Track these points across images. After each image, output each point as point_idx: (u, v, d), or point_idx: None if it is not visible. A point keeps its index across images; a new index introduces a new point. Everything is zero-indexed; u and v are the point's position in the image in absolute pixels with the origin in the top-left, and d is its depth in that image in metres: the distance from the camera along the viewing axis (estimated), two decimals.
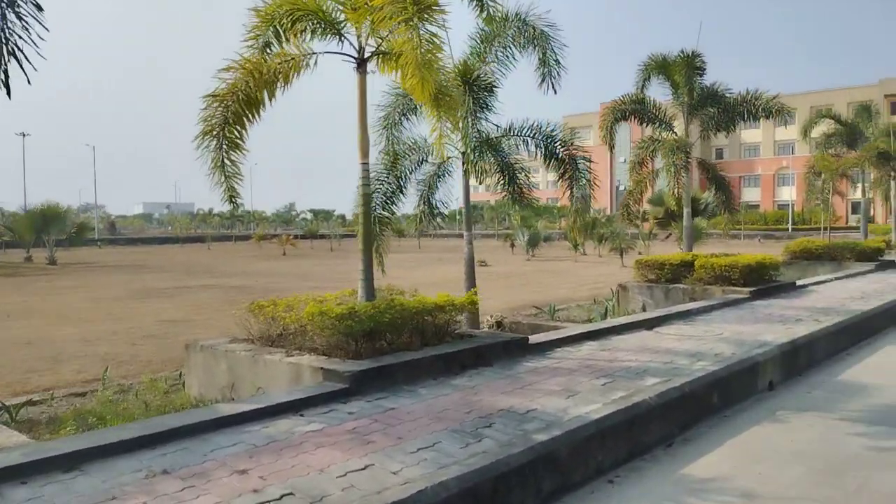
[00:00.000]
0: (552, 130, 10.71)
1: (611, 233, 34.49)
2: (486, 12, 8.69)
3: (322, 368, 5.20)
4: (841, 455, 4.95)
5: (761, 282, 11.82)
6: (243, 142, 6.51)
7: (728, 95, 16.54)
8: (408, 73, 5.71)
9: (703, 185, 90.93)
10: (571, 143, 10.61)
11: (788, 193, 73.72)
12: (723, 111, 16.58)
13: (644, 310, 11.53)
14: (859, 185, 29.00)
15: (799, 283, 13.28)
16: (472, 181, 11.34)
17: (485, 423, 4.56)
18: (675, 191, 15.75)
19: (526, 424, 4.53)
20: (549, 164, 10.82)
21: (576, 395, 5.29)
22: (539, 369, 6.16)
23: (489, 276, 24.42)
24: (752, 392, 6.61)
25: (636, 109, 16.91)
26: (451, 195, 12.53)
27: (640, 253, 32.40)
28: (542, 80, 10.22)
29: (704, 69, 16.11)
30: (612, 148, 17.10)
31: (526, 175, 11.42)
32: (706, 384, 5.92)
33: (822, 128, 29.67)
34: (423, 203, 11.79)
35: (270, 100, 6.57)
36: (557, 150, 10.78)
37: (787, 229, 59.68)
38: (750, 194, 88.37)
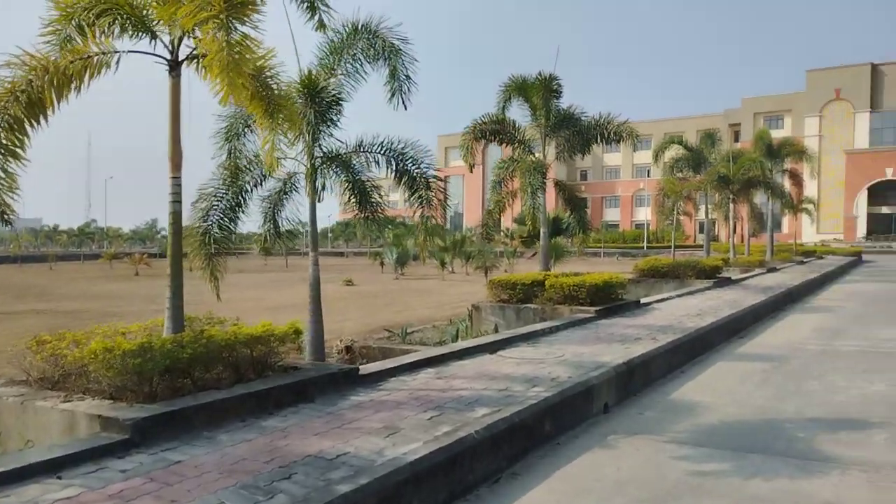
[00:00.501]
0: (403, 148, 10.38)
1: (478, 251, 34.99)
2: (317, 15, 8.22)
3: (100, 416, 4.45)
4: (664, 483, 4.85)
5: (608, 300, 12.08)
6: (24, 150, 5.62)
7: (583, 119, 17.06)
8: (214, 76, 5.13)
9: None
10: (422, 162, 10.34)
11: (644, 214, 78.43)
12: (578, 134, 17.07)
13: (496, 330, 11.43)
14: (706, 206, 31.17)
15: (643, 301, 13.76)
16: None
17: (284, 473, 4.03)
18: (532, 211, 15.97)
19: (332, 472, 4.05)
20: (400, 182, 10.49)
21: (397, 432, 4.88)
22: (364, 404, 5.71)
23: (353, 297, 23.84)
24: (586, 416, 6.51)
25: (496, 130, 17.06)
26: (299, 212, 11.90)
27: (505, 271, 33.02)
28: (392, 96, 9.90)
29: (561, 92, 16.51)
30: (471, 167, 17.11)
31: (380, 194, 11.03)
32: (538, 412, 5.71)
33: (672, 153, 31.68)
34: (269, 221, 11.09)
35: (59, 102, 5.73)
36: (409, 169, 10.48)
37: (643, 247, 63.37)
38: (611, 214, 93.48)
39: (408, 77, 9.79)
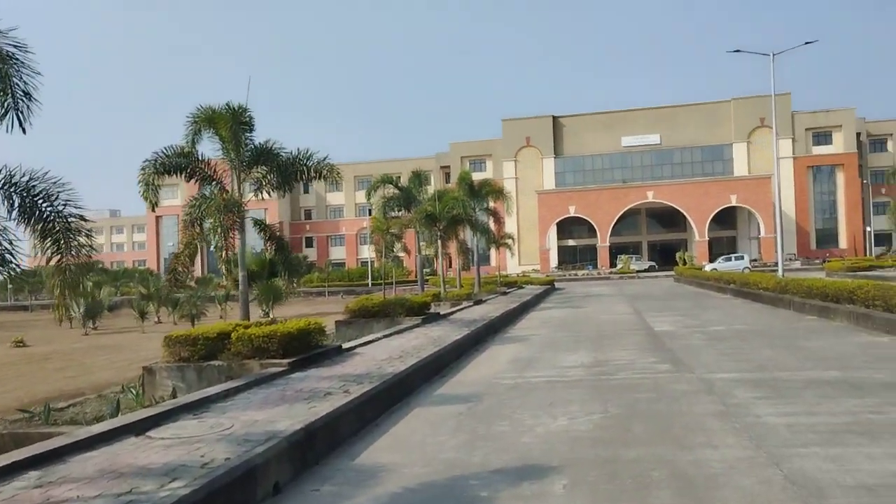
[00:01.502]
0: (29, 181, 8.26)
1: (189, 296, 31.87)
2: None
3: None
4: None
5: (305, 349, 11.01)
6: None
7: (282, 154, 16.04)
8: None
9: (295, 244, 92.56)
10: (57, 197, 8.31)
11: (368, 251, 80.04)
12: (277, 170, 15.98)
13: (174, 395, 9.64)
14: (416, 243, 32.09)
15: (346, 345, 12.98)
16: None
17: None
18: (224, 252, 14.41)
19: None
20: (28, 223, 8.32)
21: None
22: None
23: (20, 361, 19.80)
24: None
25: (182, 164, 15.25)
26: None
27: (221, 317, 30.38)
28: (5, 114, 7.79)
29: (253, 125, 15.31)
30: (154, 206, 15.02)
31: (89, 234, 8.66)
32: None
33: (386, 192, 32.22)
34: None
35: None
36: (41, 207, 8.37)
37: (368, 284, 64.21)
38: (337, 252, 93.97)
39: (27, 95, 7.77)
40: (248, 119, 14.98)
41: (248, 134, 15.13)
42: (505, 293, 36.07)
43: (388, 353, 12.12)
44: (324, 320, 12.96)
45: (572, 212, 73.88)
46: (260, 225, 16.43)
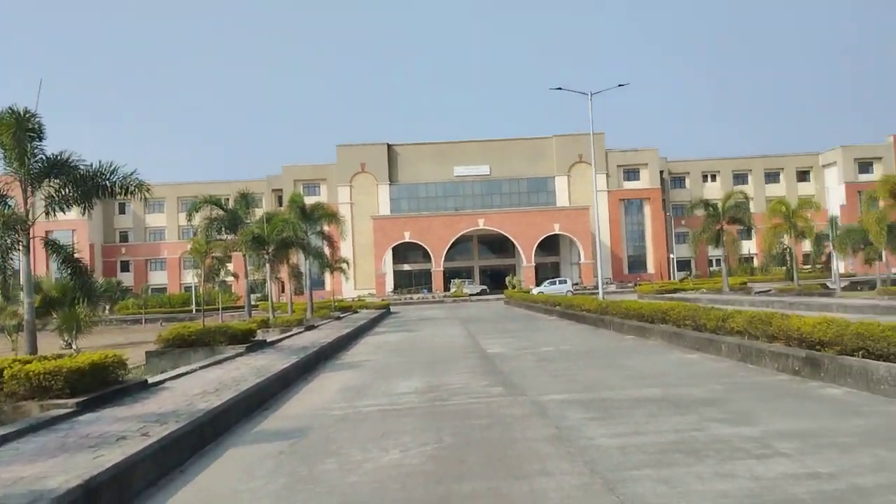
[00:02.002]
0: None
1: None
2: None
3: None
4: None
5: (102, 386, 9.52)
6: None
7: (80, 167, 14.20)
8: None
9: (109, 267, 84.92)
10: None
11: (192, 276, 75.08)
12: (74, 184, 14.11)
13: None
14: (245, 267, 30.22)
15: (153, 380, 11.51)
16: None
17: None
18: (2, 276, 12.34)
19: None
20: None
21: None
22: None
23: None
24: None
25: None
26: None
27: (13, 351, 26.46)
28: None
29: (43, 133, 13.39)
30: None
31: None
32: None
33: (210, 213, 30.10)
34: None
35: None
36: None
37: (192, 311, 59.98)
38: (157, 277, 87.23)
39: None
40: (36, 126, 13.06)
41: (38, 143, 13.19)
42: (339, 318, 35.08)
43: (203, 386, 10.87)
44: (126, 352, 11.40)
45: (407, 237, 74.42)
46: (52, 246, 14.35)
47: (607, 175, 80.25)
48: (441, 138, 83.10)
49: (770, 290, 44.16)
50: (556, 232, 74.71)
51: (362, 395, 11.41)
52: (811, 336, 10.51)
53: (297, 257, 34.52)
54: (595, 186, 38.52)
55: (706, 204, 47.15)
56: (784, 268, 60.17)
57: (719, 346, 13.56)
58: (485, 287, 73.48)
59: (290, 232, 26.71)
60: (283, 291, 33.10)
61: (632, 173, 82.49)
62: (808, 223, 44.05)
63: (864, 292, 44.02)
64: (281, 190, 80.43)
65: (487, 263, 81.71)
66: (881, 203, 36.24)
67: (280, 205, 74.15)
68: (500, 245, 78.63)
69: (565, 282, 64.83)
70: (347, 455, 7.30)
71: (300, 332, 24.28)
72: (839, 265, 48.03)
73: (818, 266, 65.35)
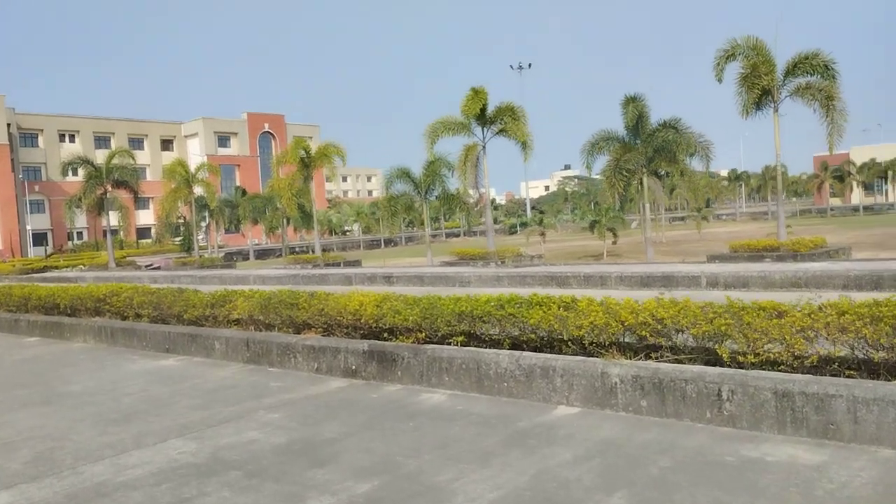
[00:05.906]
0: None
1: None
2: None
3: None
4: None
5: None
6: None
7: None
8: None
9: None
10: None
11: None
12: None
13: None
14: None
15: None
16: None
17: None
18: None
19: None
20: None
21: None
22: None
23: None
24: None
25: None
26: None
27: None
28: None
29: None
30: None
31: None
32: None
33: None
34: None
35: None
36: None
37: None
38: None
39: None
40: None
41: None
42: None
43: None
44: None
45: None
46: None
47: None
48: None
49: (158, 265, 40.89)
50: None
51: None
52: (378, 321, 7.88)
53: None
54: None
55: (86, 162, 40.02)
56: (178, 239, 58.12)
57: (212, 344, 9.69)
58: None
59: None
60: None
61: None
62: (211, 188, 42.47)
63: (273, 260, 45.65)
64: None
65: None
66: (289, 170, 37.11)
67: None
68: None
69: None
70: None
71: None
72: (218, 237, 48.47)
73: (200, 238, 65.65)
